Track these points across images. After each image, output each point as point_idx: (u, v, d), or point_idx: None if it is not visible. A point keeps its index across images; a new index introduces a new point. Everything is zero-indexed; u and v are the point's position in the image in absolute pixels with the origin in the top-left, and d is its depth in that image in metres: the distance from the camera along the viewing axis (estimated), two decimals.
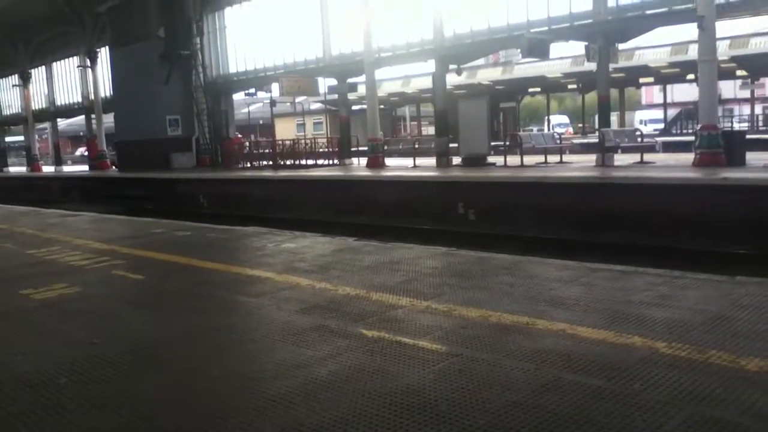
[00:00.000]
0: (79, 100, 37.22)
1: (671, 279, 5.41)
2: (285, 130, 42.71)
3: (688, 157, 15.48)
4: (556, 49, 23.93)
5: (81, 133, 48.10)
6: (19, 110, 42.96)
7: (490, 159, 18.96)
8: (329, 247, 7.91)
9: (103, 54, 33.26)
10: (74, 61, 36.66)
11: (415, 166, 19.85)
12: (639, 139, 17.68)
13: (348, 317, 4.72)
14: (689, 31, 15.66)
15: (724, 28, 14.11)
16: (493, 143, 20.04)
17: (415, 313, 4.76)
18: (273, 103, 26.39)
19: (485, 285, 5.56)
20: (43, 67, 40.27)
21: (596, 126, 22.73)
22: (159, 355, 4.17)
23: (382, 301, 5.13)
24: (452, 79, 24.28)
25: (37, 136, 44.84)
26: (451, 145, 20.29)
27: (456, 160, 19.74)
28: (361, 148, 24.18)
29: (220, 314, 5.08)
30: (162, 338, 4.52)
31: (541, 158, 18.36)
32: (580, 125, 48.58)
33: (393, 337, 4.20)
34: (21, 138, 49.20)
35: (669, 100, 47.46)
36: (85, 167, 37.33)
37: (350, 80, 23.63)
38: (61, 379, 3.74)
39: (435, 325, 4.44)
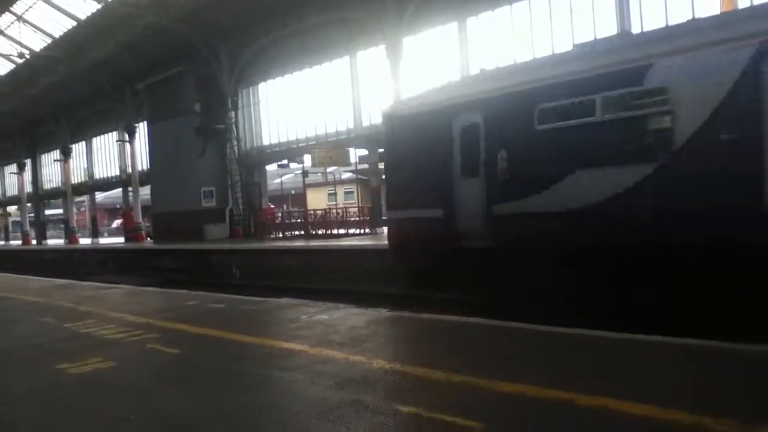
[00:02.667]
0: (117, 173, 38.30)
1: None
2: (317, 200, 43.06)
3: None
4: None
5: (117, 206, 49.18)
6: (59, 184, 44.27)
7: None
8: (362, 319, 7.85)
9: (141, 128, 34.38)
10: (113, 135, 37.94)
11: None
12: None
13: (383, 392, 4.64)
14: None
15: None
16: None
17: (450, 386, 4.67)
18: (305, 173, 26.80)
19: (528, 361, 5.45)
20: (84, 141, 41.69)
21: None
22: None
23: (417, 375, 5.04)
24: None
25: (75, 209, 45.96)
26: None
27: None
28: None
29: (256, 390, 5.03)
30: (197, 415, 4.47)
31: None
32: None
33: (429, 413, 4.11)
34: (60, 211, 50.50)
35: None
36: (121, 239, 38.00)
37: (381, 150, 23.93)
38: None
39: (473, 399, 4.35)
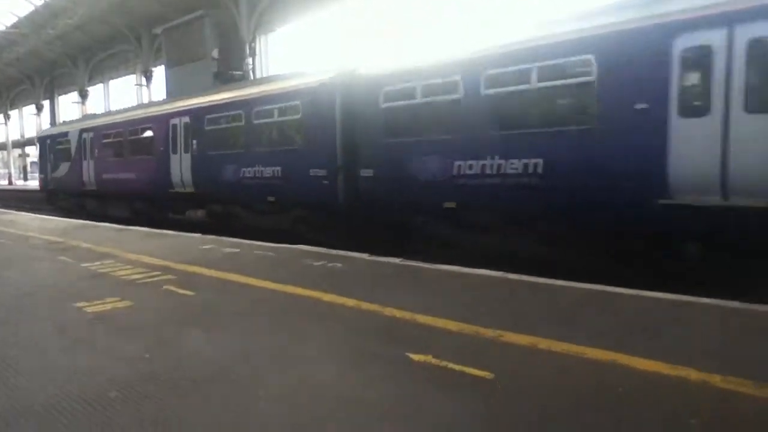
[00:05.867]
0: None
1: None
2: None
3: None
4: None
5: None
6: None
7: None
8: (376, 268, 7.92)
9: (159, 73, 34.22)
10: (131, 79, 37.84)
11: None
12: None
13: (395, 340, 4.71)
14: None
15: None
16: None
17: (462, 337, 4.73)
18: None
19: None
20: (101, 84, 41.66)
21: None
22: (207, 373, 4.20)
23: (429, 324, 5.11)
24: None
25: None
26: None
27: None
28: None
29: (267, 333, 5.12)
30: (211, 356, 4.56)
31: None
32: None
33: (439, 362, 4.17)
34: None
35: None
36: None
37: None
38: (112, 393, 3.82)
39: (482, 350, 4.41)
